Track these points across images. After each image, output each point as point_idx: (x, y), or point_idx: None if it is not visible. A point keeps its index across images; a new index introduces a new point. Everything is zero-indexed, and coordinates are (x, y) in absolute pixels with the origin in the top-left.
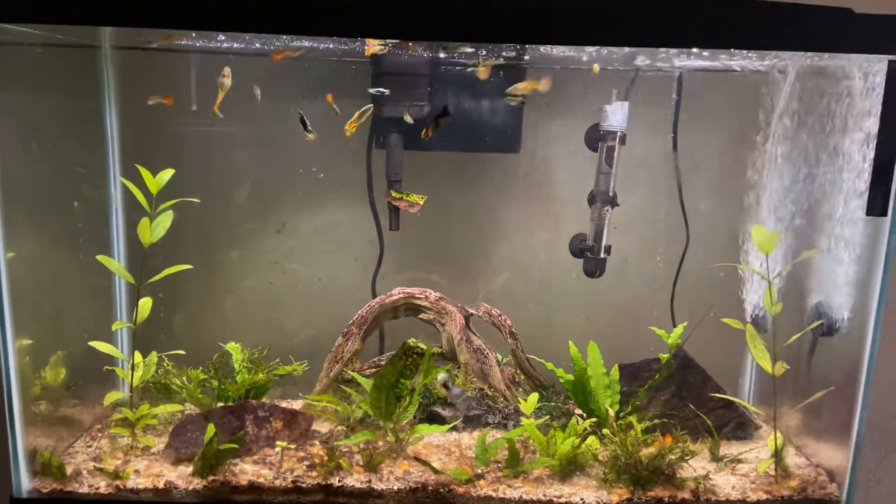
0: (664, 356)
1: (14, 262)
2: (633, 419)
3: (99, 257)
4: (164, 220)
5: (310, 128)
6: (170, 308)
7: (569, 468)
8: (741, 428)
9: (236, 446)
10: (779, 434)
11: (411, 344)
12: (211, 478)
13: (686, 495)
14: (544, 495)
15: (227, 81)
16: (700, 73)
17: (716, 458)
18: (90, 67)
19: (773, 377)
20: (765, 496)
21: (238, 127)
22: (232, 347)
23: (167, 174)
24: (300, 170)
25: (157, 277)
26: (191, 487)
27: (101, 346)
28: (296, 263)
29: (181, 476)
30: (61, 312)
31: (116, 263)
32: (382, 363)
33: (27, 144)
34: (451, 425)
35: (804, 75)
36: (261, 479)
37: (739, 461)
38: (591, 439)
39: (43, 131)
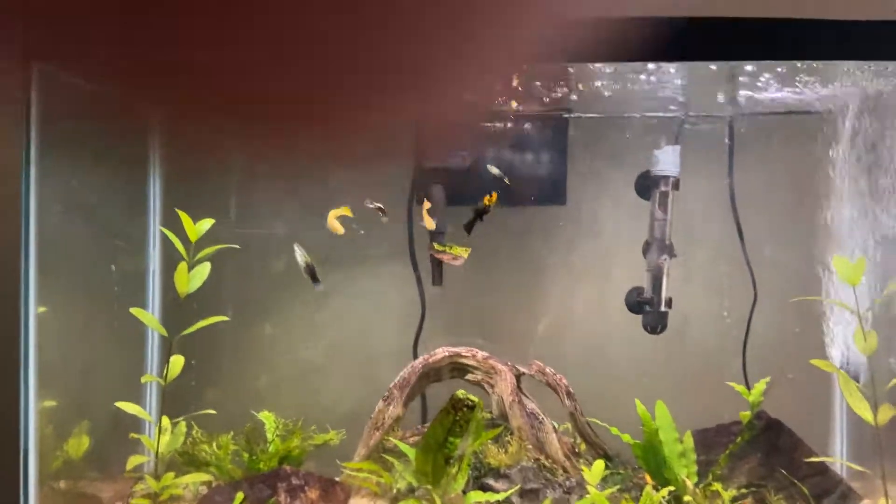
0: (745, 415)
1: (45, 322)
2: (718, 487)
3: (133, 310)
4: (202, 270)
5: (319, 281)
6: (201, 374)
7: None
8: (843, 499)
9: None
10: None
11: (461, 396)
12: None
13: None
14: None
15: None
16: (752, 117)
17: None
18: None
19: (876, 427)
20: None
21: (275, 183)
22: (265, 416)
23: (207, 223)
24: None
25: (191, 329)
26: None
27: (128, 406)
28: (333, 329)
29: None
30: (89, 375)
31: (150, 315)
32: (426, 431)
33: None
34: (508, 493)
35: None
36: None
37: None
38: None
39: (83, 188)
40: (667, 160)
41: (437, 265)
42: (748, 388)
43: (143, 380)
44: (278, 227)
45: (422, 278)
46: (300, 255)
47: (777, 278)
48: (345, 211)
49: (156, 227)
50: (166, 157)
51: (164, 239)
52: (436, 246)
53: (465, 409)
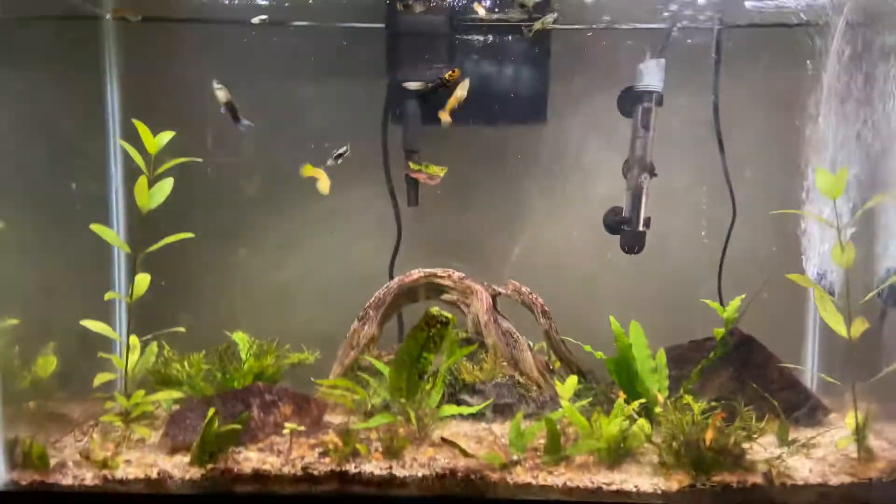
0: (719, 331)
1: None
2: (688, 399)
3: (93, 226)
4: (164, 185)
5: (242, 120)
6: (171, 296)
7: (617, 453)
8: (812, 411)
9: (240, 427)
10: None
11: (434, 313)
12: (210, 466)
13: (758, 480)
14: (591, 482)
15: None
16: (740, 30)
17: (785, 442)
18: (91, 40)
19: (849, 340)
20: (849, 479)
21: (243, 100)
22: (239, 337)
23: (167, 136)
24: (311, 146)
25: (156, 246)
26: (187, 477)
27: (94, 325)
28: (307, 250)
29: (177, 465)
30: (53, 294)
31: (112, 233)
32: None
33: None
34: (482, 406)
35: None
36: (266, 467)
37: (812, 445)
38: (642, 421)
39: (40, 106)
40: (651, 75)
41: (413, 185)
42: (723, 305)
43: (106, 297)
44: (249, 147)
45: (397, 199)
46: (221, 93)
47: (758, 196)
48: (319, 174)
49: (116, 142)
50: (125, 63)
51: (129, 155)
52: (411, 165)
53: (438, 325)
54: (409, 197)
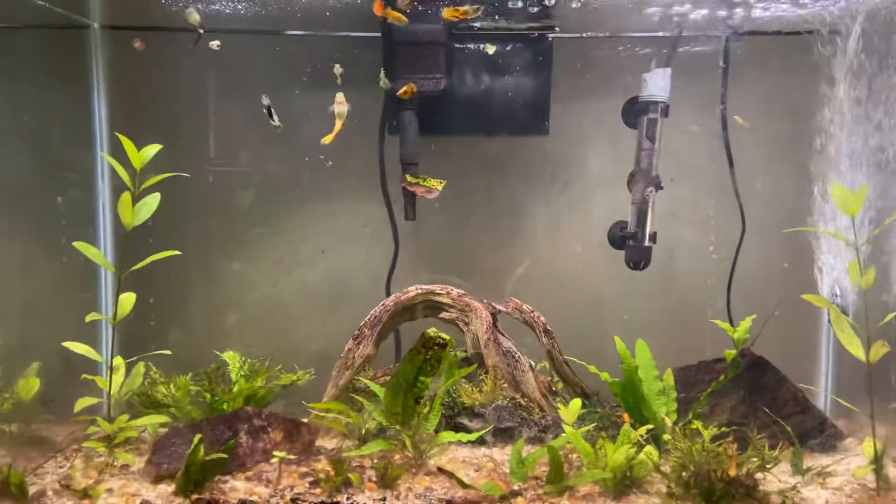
0: (730, 353)
1: None
2: (698, 425)
3: (77, 244)
4: (150, 202)
5: (276, 118)
6: (160, 314)
7: (623, 483)
8: (826, 437)
9: (225, 457)
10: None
11: (431, 334)
12: (195, 496)
13: None
14: None
15: (344, 109)
16: (748, 38)
17: (799, 470)
18: (78, 50)
19: (868, 365)
20: None
21: (236, 111)
22: (229, 357)
23: (152, 150)
24: (305, 158)
25: (141, 265)
26: None
27: (77, 346)
28: (301, 266)
29: (161, 495)
30: (36, 313)
31: (96, 251)
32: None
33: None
34: (480, 433)
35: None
36: (254, 498)
37: (828, 474)
38: (649, 449)
39: (24, 117)
40: (656, 84)
41: (411, 198)
42: (732, 324)
43: (87, 318)
44: (243, 159)
45: (394, 212)
46: (265, 99)
47: (767, 210)
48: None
49: (100, 154)
50: (113, 72)
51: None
52: (408, 178)
53: (435, 347)
54: (406, 210)
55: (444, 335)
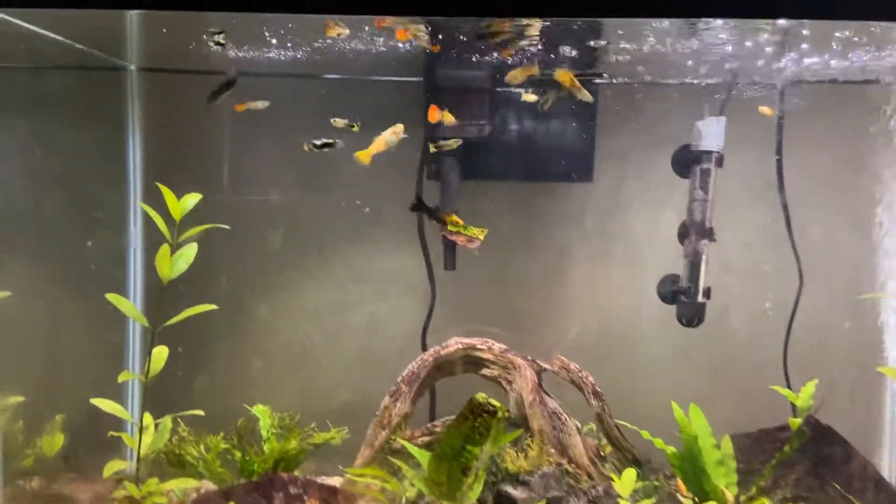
0: (794, 421)
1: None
2: (765, 502)
3: (109, 296)
4: (187, 253)
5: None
6: (188, 363)
7: None
8: None
9: None
10: None
11: (481, 400)
12: None
13: None
14: None
15: (395, 139)
16: (805, 85)
17: None
18: (114, 92)
19: None
20: None
21: (272, 154)
22: (259, 411)
23: (193, 199)
24: (342, 203)
25: (175, 320)
26: None
27: (105, 404)
28: (333, 315)
29: None
30: (62, 366)
31: (128, 303)
32: (437, 430)
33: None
34: None
35: None
36: None
37: None
38: None
39: (57, 158)
40: (710, 133)
41: (450, 248)
42: (790, 387)
43: (120, 379)
44: (274, 196)
45: (432, 261)
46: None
47: (826, 266)
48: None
49: (136, 200)
50: (147, 115)
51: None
52: (449, 226)
53: (485, 414)
54: (445, 260)
55: (493, 401)
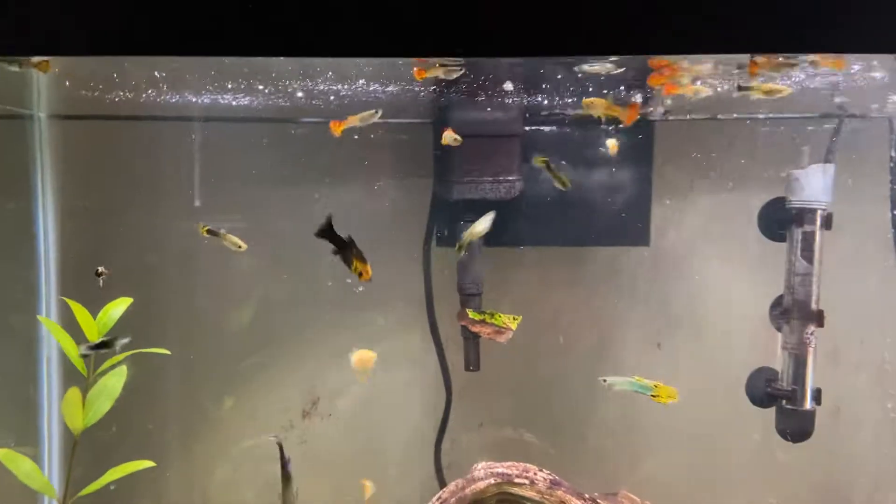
0: None
1: None
2: None
3: None
4: (111, 387)
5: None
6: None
7: None
8: None
9: None
10: None
11: None
12: None
13: None
14: None
15: (371, 118)
16: None
17: None
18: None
19: None
20: None
21: (236, 221)
22: None
23: (119, 306)
24: (328, 282)
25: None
26: None
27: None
28: (326, 415)
29: None
30: None
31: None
32: None
33: None
34: None
35: None
36: None
37: None
38: None
39: None
40: (813, 185)
41: (473, 341)
42: None
43: None
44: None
45: (445, 354)
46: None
47: None
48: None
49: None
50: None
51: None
52: (470, 314)
53: None
54: (467, 357)
55: None
